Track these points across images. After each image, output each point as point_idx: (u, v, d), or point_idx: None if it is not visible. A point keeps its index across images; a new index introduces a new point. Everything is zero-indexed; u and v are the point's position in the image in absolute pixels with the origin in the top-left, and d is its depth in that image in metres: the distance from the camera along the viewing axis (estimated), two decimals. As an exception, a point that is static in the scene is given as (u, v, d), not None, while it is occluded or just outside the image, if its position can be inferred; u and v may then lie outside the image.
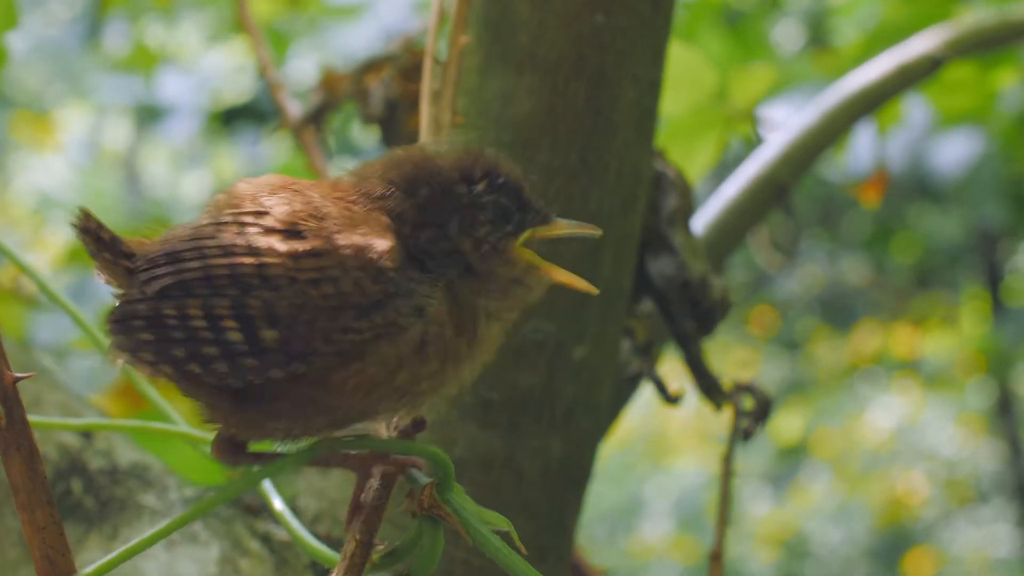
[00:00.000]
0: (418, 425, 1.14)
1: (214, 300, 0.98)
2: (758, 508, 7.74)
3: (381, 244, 1.01)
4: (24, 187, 8.01)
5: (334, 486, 1.48)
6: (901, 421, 7.76)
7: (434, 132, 1.27)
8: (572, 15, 1.35)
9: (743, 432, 1.52)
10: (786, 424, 7.50)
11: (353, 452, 1.10)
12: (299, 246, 0.99)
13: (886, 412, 7.78)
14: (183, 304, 0.98)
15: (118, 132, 8.12)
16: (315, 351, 0.99)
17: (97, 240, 1.02)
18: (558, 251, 1.39)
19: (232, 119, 4.96)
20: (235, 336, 0.97)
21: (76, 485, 1.51)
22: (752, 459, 7.34)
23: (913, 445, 7.75)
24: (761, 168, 1.76)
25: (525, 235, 1.08)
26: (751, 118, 1.82)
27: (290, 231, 1.00)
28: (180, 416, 1.34)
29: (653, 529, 7.66)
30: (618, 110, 1.38)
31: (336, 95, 1.78)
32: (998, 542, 7.21)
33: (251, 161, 5.88)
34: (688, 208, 1.49)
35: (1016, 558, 6.92)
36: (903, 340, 7.05)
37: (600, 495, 7.41)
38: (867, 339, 7.13)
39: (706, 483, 7.43)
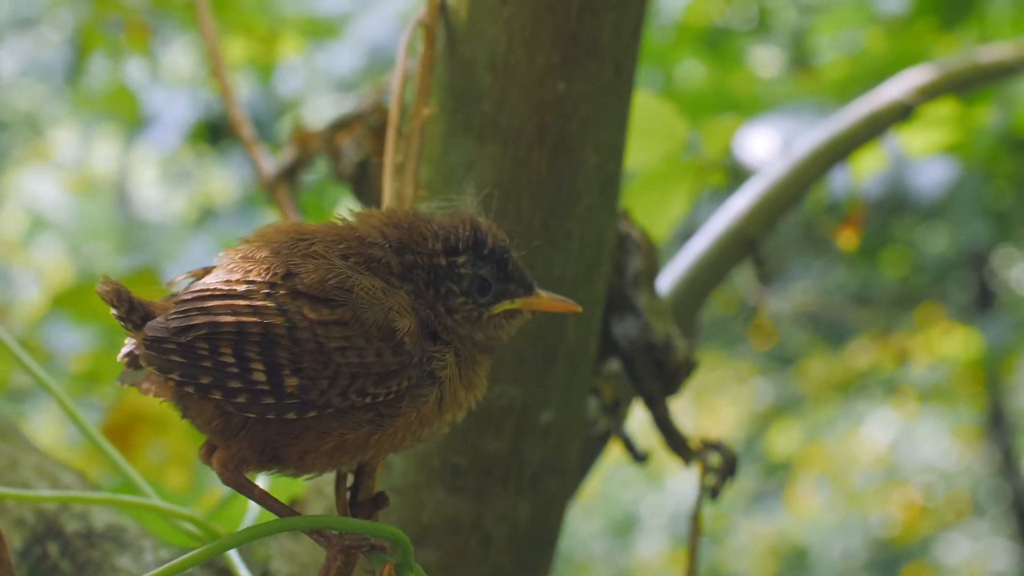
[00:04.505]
0: (379, 502, 1.17)
1: (245, 346, 1.05)
2: (755, 524, 7.73)
3: (403, 323, 1.09)
4: (14, 208, 8.02)
5: (306, 550, 1.49)
6: (896, 435, 7.77)
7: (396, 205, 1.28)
8: (534, 83, 1.36)
9: (710, 490, 1.53)
10: (782, 439, 7.50)
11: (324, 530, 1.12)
12: (328, 315, 1.07)
13: (881, 426, 7.78)
14: (216, 344, 1.05)
15: (108, 151, 8.12)
16: (330, 404, 1.07)
17: (128, 305, 1.08)
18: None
19: (218, 137, 4.97)
20: (259, 377, 1.06)
21: (53, 548, 1.52)
22: (748, 475, 7.34)
23: (909, 459, 7.75)
24: (730, 222, 1.77)
25: (504, 305, 1.16)
26: (722, 168, 1.83)
27: (319, 298, 1.07)
28: (151, 488, 1.35)
29: (649, 546, 7.65)
30: (581, 176, 1.38)
31: (308, 152, 1.79)
32: (995, 556, 7.21)
33: (240, 181, 5.88)
34: (653, 269, 1.49)
35: (1013, 571, 6.92)
36: (895, 354, 7.05)
37: (596, 513, 7.41)
38: (859, 354, 7.12)
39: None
